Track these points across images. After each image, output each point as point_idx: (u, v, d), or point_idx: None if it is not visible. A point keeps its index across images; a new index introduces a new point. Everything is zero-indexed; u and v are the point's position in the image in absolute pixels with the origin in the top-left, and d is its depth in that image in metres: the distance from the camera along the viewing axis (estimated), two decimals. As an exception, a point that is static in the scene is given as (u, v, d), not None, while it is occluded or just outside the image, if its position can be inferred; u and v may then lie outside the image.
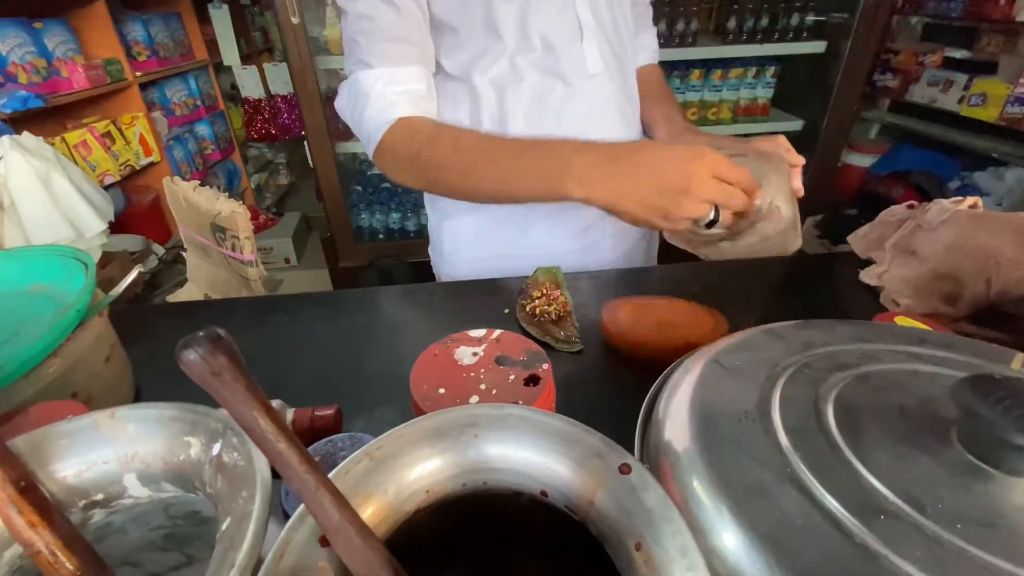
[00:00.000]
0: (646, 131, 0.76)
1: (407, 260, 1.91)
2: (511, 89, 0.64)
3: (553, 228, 0.72)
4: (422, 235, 2.00)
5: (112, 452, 0.22)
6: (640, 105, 0.75)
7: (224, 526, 0.19)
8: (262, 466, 0.20)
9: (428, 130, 0.58)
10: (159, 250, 1.91)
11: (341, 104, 0.63)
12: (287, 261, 2.37)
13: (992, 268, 0.49)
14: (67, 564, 0.21)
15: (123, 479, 0.23)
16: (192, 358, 0.15)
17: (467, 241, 0.75)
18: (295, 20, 1.53)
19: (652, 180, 0.47)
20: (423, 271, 2.00)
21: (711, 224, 0.48)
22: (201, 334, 0.16)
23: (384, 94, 0.58)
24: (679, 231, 0.53)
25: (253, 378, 0.17)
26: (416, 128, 0.58)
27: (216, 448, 0.21)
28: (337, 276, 1.98)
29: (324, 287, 2.19)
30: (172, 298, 1.39)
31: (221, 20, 2.37)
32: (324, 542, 0.18)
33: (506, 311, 0.56)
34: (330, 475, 0.20)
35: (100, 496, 0.23)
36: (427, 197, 0.81)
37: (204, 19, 2.38)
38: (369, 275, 1.85)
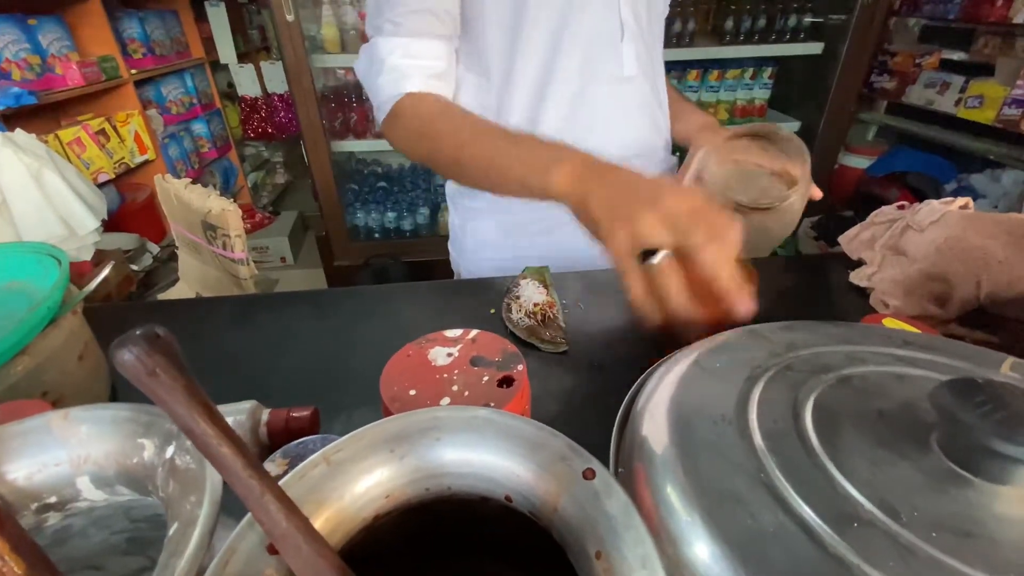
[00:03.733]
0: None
1: (402, 259, 1.90)
2: (546, 88, 0.63)
3: (578, 231, 0.71)
4: (418, 234, 2.00)
5: (64, 454, 0.22)
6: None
7: (171, 531, 0.18)
8: (213, 470, 0.19)
9: (434, 105, 0.58)
10: (153, 248, 1.90)
11: (359, 67, 0.62)
12: (283, 260, 2.37)
13: (982, 270, 0.49)
14: (15, 568, 0.20)
15: (76, 482, 0.22)
16: (126, 358, 0.15)
17: (491, 242, 0.74)
18: (290, 18, 1.53)
19: (625, 184, 0.45)
20: (418, 270, 2.00)
21: (647, 256, 0.40)
22: (137, 332, 0.15)
23: (398, 66, 0.57)
24: (620, 253, 0.43)
25: (194, 379, 0.16)
26: (423, 103, 0.58)
27: (170, 451, 0.21)
28: (332, 275, 1.97)
29: (320, 286, 2.19)
30: (163, 297, 1.38)
31: (218, 18, 2.37)
32: (272, 549, 0.17)
33: (492, 311, 0.56)
34: (284, 480, 0.20)
35: (53, 499, 0.22)
36: (450, 198, 0.80)
37: (201, 17, 2.38)
38: (364, 274, 1.84)
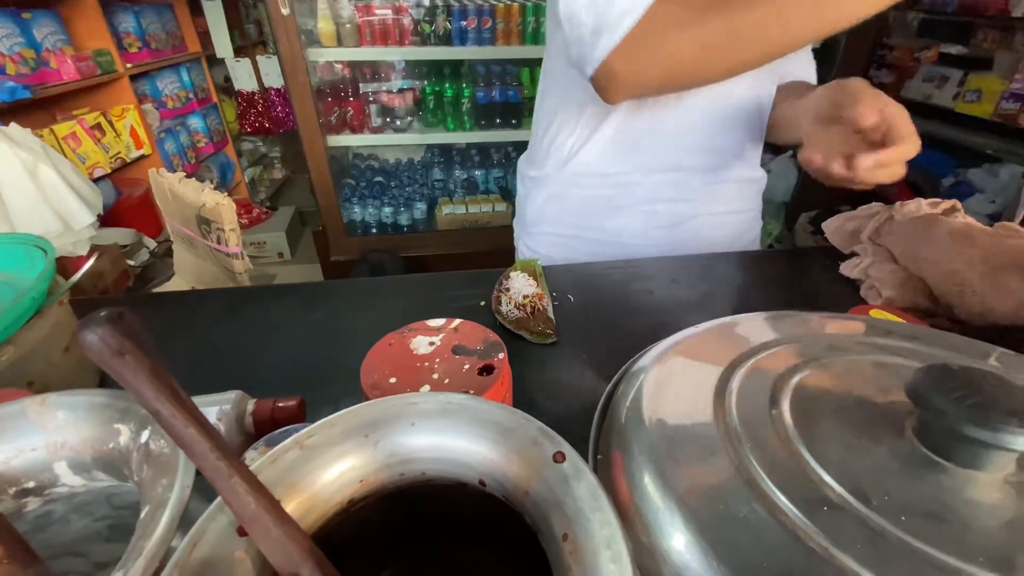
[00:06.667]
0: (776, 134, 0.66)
1: (399, 254, 1.90)
2: None
3: (645, 217, 0.69)
4: (414, 229, 2.00)
5: (41, 439, 0.22)
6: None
7: (142, 514, 0.18)
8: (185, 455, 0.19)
9: None
10: (150, 243, 1.90)
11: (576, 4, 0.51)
12: (280, 255, 2.37)
13: (959, 296, 0.49)
14: (-9, 552, 0.20)
15: (53, 467, 0.22)
16: (90, 339, 0.15)
17: (554, 214, 0.73)
18: (285, 12, 1.52)
19: None
20: (415, 265, 2.00)
21: None
22: (102, 314, 0.15)
23: None
24: None
25: (161, 361, 0.16)
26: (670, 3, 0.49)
27: (145, 435, 0.21)
28: (329, 270, 1.97)
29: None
30: (158, 291, 1.38)
31: (214, 12, 2.36)
32: (242, 531, 0.18)
33: (482, 303, 0.56)
34: (257, 464, 0.20)
35: (31, 484, 0.23)
36: (520, 165, 0.79)
37: (197, 11, 2.36)
38: (360, 269, 1.84)
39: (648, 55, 0.51)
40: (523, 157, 0.79)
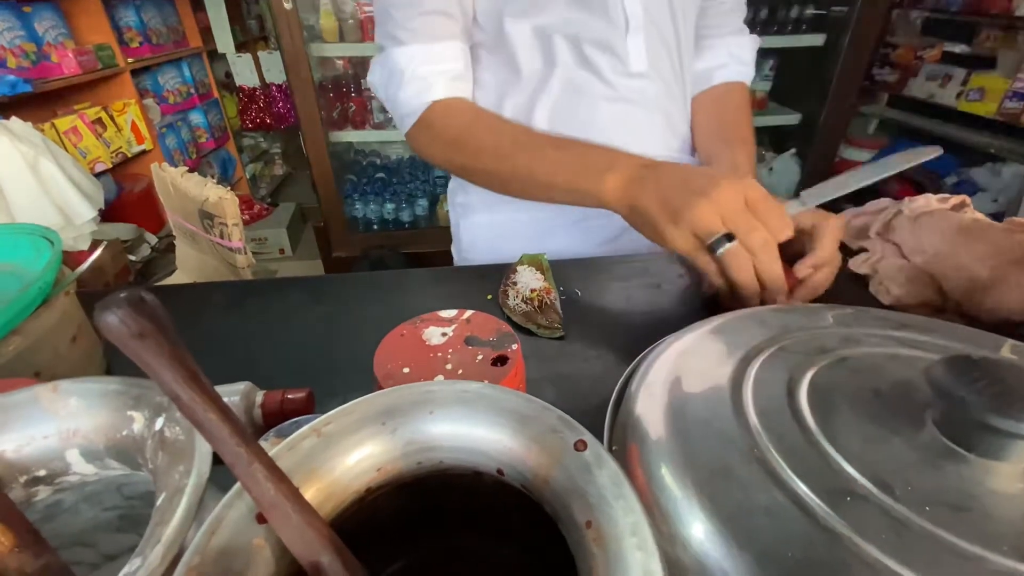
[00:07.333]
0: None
1: (400, 251, 1.90)
2: (542, 83, 0.59)
3: (581, 235, 0.68)
4: (416, 226, 2.00)
5: (53, 427, 0.22)
6: (700, 134, 0.67)
7: (159, 501, 0.18)
8: (202, 441, 0.19)
9: (466, 114, 0.56)
10: (151, 239, 1.89)
11: (374, 80, 0.60)
12: (281, 251, 2.36)
13: (968, 290, 0.48)
14: (2, 540, 0.20)
15: (65, 455, 0.22)
16: (111, 320, 0.14)
17: (487, 240, 0.72)
18: (288, 6, 1.52)
19: (677, 180, 0.44)
20: (416, 261, 1.99)
21: (713, 248, 0.41)
22: (122, 295, 0.15)
23: (420, 74, 0.55)
24: (684, 249, 0.44)
25: (182, 345, 0.16)
26: (453, 111, 0.56)
27: (159, 423, 0.21)
28: (330, 266, 1.97)
29: (318, 278, 2.18)
30: (161, 284, 1.38)
31: (215, 7, 2.35)
32: (261, 518, 0.17)
33: (488, 297, 0.56)
34: (274, 451, 0.19)
35: (42, 472, 0.22)
36: (449, 192, 0.78)
37: (198, 5, 2.36)
38: (361, 265, 1.84)
39: (422, 152, 0.61)
40: (451, 185, 0.78)
